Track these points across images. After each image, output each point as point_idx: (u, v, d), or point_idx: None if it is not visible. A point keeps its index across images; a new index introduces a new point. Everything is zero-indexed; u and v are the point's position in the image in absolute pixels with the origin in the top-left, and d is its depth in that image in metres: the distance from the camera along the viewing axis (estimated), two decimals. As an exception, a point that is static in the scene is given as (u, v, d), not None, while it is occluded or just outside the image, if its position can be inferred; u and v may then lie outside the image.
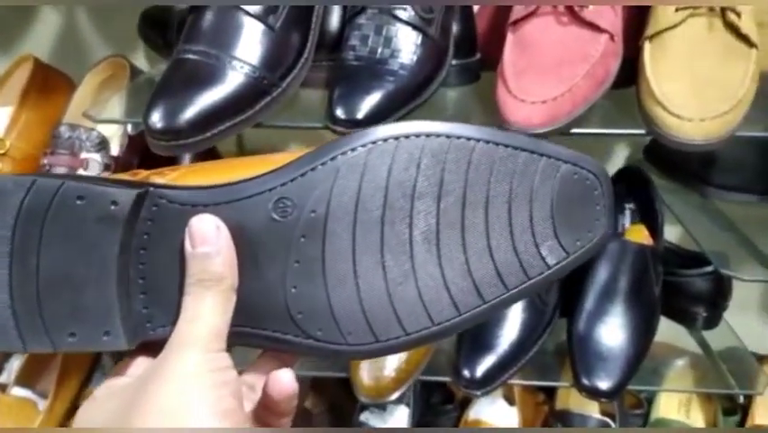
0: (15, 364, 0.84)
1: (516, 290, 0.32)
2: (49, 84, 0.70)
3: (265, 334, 0.32)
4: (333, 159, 0.31)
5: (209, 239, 0.30)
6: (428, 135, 0.31)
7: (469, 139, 0.31)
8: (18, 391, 0.81)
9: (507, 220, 0.32)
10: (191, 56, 0.50)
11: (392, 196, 0.31)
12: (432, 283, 0.32)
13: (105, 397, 0.31)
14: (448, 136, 0.31)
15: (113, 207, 0.30)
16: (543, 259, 0.32)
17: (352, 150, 0.31)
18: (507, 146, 0.32)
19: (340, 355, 0.32)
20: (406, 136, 0.31)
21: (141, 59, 0.83)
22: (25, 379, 0.82)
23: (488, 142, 0.32)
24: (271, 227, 0.31)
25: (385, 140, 0.31)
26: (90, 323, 0.30)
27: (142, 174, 0.34)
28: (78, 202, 0.30)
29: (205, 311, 0.30)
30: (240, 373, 0.34)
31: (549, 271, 0.32)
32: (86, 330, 0.30)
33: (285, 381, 0.30)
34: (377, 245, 0.31)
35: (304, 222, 0.31)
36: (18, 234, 0.30)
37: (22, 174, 0.31)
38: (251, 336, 0.32)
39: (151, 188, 0.31)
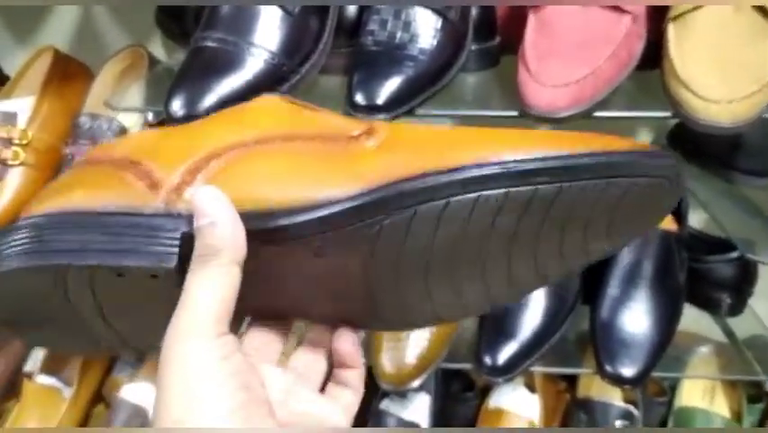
0: (41, 353, 0.86)
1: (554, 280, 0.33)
2: (69, 74, 0.70)
3: None
4: (375, 221, 0.28)
5: (206, 210, 0.28)
6: (478, 195, 0.28)
7: (527, 183, 0.28)
8: (44, 379, 0.82)
9: (558, 246, 0.30)
10: (210, 43, 0.50)
11: (438, 248, 0.29)
12: (476, 299, 0.32)
13: None
14: (503, 187, 0.28)
15: (153, 279, 0.29)
16: (586, 255, 0.32)
17: (399, 211, 0.28)
18: (570, 182, 0.28)
19: None
20: (453, 195, 0.28)
21: (158, 49, 0.83)
22: (50, 367, 0.83)
23: (550, 183, 0.28)
24: (309, 264, 0.30)
25: (429, 201, 0.28)
26: None
27: (177, 181, 0.30)
28: (119, 278, 0.29)
29: (204, 291, 0.27)
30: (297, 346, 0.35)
31: (587, 260, 0.32)
32: None
33: (346, 334, 0.33)
34: (422, 283, 0.31)
35: (343, 268, 0.30)
36: (78, 305, 0.31)
37: (51, 254, 0.29)
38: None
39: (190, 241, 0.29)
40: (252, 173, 0.30)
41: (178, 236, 0.29)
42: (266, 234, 0.29)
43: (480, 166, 0.28)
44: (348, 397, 0.34)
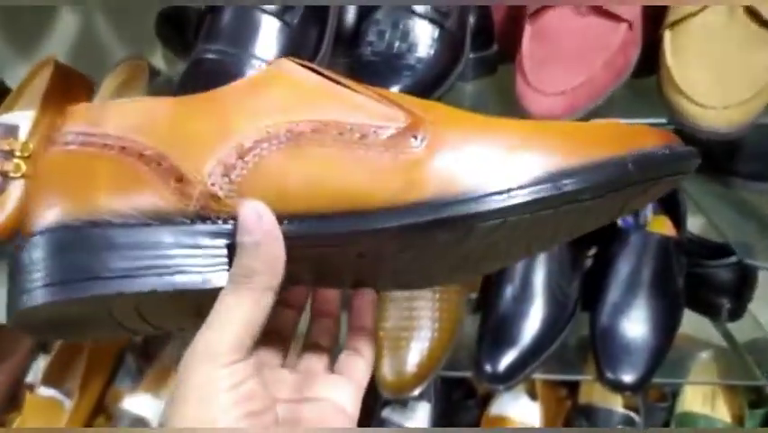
0: (42, 365, 0.86)
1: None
2: (70, 86, 0.70)
3: None
4: (430, 234, 0.28)
5: (251, 228, 0.28)
6: (532, 216, 0.28)
7: (576, 201, 0.29)
8: (45, 391, 0.82)
9: (570, 232, 0.33)
10: (210, 55, 0.51)
11: (477, 247, 0.30)
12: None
13: None
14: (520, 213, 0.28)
15: (202, 295, 0.28)
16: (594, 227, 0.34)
17: (455, 229, 0.28)
18: (593, 198, 0.29)
19: None
20: (510, 216, 0.28)
21: (158, 60, 0.84)
22: (51, 379, 0.83)
23: (594, 198, 0.29)
24: (353, 263, 0.30)
25: (485, 221, 0.28)
26: None
27: (209, 183, 0.29)
28: (180, 296, 0.28)
29: (230, 317, 0.27)
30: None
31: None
32: None
33: (366, 293, 0.35)
34: (448, 271, 0.33)
35: (379, 262, 0.30)
36: (120, 318, 0.30)
37: (96, 283, 0.27)
38: None
39: None
40: (288, 174, 0.29)
41: (225, 253, 0.28)
42: (307, 238, 0.28)
43: (535, 187, 0.28)
44: (360, 369, 0.34)
